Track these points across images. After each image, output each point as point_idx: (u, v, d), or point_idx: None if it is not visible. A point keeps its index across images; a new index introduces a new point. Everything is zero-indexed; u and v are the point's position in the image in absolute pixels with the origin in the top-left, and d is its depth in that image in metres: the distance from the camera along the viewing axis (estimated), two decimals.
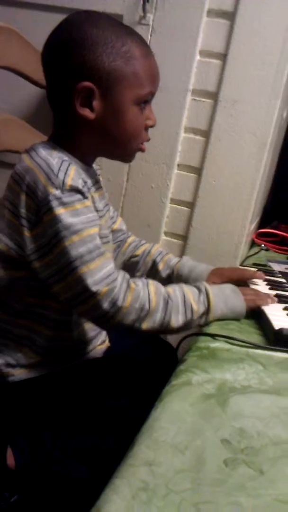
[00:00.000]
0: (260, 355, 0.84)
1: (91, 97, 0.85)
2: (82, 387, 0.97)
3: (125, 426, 0.83)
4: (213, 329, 0.93)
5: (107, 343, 1.09)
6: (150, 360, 1.15)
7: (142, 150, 0.96)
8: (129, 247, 1.19)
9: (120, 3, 1.40)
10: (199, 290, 0.94)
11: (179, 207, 1.50)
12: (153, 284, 0.89)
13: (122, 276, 0.86)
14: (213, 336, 0.90)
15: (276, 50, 1.29)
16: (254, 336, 0.92)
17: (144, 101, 0.90)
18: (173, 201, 1.50)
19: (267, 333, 0.92)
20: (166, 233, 1.53)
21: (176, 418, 0.64)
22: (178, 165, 1.47)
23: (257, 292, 1.03)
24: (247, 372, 0.78)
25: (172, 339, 1.29)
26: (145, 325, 0.86)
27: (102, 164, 1.51)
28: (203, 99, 1.40)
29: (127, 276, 0.87)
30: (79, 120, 0.87)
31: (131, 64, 0.85)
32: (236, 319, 0.97)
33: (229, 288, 0.98)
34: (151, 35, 1.39)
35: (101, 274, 0.82)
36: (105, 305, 0.82)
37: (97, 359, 1.04)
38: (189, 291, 0.92)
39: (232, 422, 0.65)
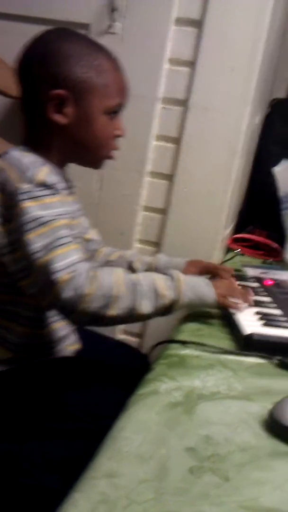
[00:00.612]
0: (230, 361, 0.84)
1: (63, 104, 0.91)
2: (50, 385, 0.96)
3: (95, 426, 0.82)
4: (184, 335, 0.93)
5: (77, 345, 1.08)
6: (122, 365, 1.14)
7: (111, 158, 1.02)
8: (103, 255, 1.20)
9: (87, 12, 1.41)
10: (169, 276, 0.93)
11: (152, 214, 1.50)
12: (119, 271, 0.88)
13: (87, 265, 0.84)
14: (184, 343, 0.89)
15: (244, 57, 1.30)
16: (225, 341, 0.92)
17: (114, 112, 0.96)
18: (145, 208, 1.50)
19: (237, 338, 0.91)
20: (139, 241, 1.53)
21: (141, 427, 0.63)
22: (150, 172, 1.47)
23: (232, 288, 1.01)
24: (216, 378, 0.77)
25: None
26: (112, 312, 0.83)
27: (73, 173, 1.50)
28: (173, 107, 1.40)
29: (94, 265, 0.87)
30: (51, 125, 0.92)
31: (102, 76, 0.92)
32: (206, 308, 0.98)
33: (201, 278, 0.98)
34: (119, 44, 1.39)
35: (65, 262, 0.80)
36: (68, 292, 0.80)
37: (66, 358, 1.03)
38: (158, 277, 0.91)
39: (199, 430, 0.64)
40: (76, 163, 1.01)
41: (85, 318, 0.84)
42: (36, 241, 0.81)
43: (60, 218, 0.84)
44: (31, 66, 0.92)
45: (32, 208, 0.82)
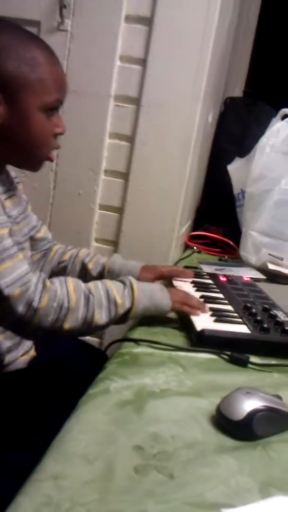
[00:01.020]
0: (182, 358, 0.84)
1: None
2: (5, 400, 0.94)
3: (49, 436, 0.81)
4: (137, 334, 0.92)
5: (32, 353, 1.06)
6: (82, 368, 1.13)
7: (51, 160, 0.95)
8: (55, 254, 1.17)
9: (37, 9, 1.39)
10: (124, 284, 0.92)
11: (108, 213, 1.49)
12: (72, 281, 0.86)
13: (37, 276, 0.82)
14: (137, 341, 0.89)
15: (194, 54, 1.31)
16: (178, 338, 0.92)
17: (52, 108, 0.89)
18: (101, 207, 1.49)
19: (190, 335, 0.92)
20: (96, 240, 1.52)
21: (89, 428, 0.63)
22: (105, 171, 1.46)
23: (187, 296, 1.00)
24: (166, 375, 0.78)
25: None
26: (67, 325, 0.82)
27: (27, 172, 1.48)
28: (126, 105, 1.40)
29: (43, 275, 0.84)
30: None
31: (36, 71, 0.85)
32: (160, 316, 0.96)
33: (157, 285, 0.98)
34: (70, 42, 1.38)
35: (13, 275, 0.78)
36: (20, 308, 0.78)
37: (20, 371, 1.01)
38: (113, 286, 0.90)
39: (147, 428, 0.64)
40: (14, 165, 0.96)
41: (39, 332, 0.83)
42: None
43: (0, 228, 0.80)
44: None
45: None
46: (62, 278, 0.88)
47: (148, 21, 1.33)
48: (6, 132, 0.86)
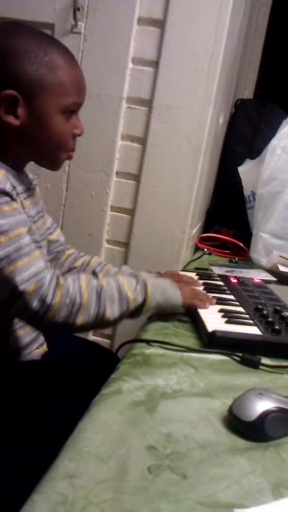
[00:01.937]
0: (193, 358, 0.85)
1: (15, 104, 0.86)
2: (17, 390, 0.95)
3: (63, 429, 0.81)
4: (149, 334, 0.93)
5: (44, 347, 1.07)
6: (91, 365, 1.14)
7: (70, 158, 0.97)
8: (68, 259, 1.18)
9: (51, 12, 1.40)
10: (136, 279, 0.93)
11: (120, 214, 1.50)
12: (84, 278, 0.88)
13: (51, 273, 0.84)
14: (148, 342, 0.89)
15: (206, 56, 1.31)
16: (189, 339, 0.92)
17: (70, 111, 0.91)
18: (113, 208, 1.50)
19: (202, 336, 0.92)
20: (108, 241, 1.53)
21: (103, 427, 0.63)
22: (117, 172, 1.47)
23: (196, 292, 1.03)
24: (178, 376, 0.78)
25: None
26: (80, 320, 0.84)
27: (40, 174, 1.50)
28: (138, 107, 1.41)
29: (57, 272, 0.86)
30: (4, 127, 0.88)
31: (55, 73, 0.86)
32: (172, 312, 0.98)
33: (167, 281, 0.99)
34: (83, 44, 1.39)
35: (29, 272, 0.80)
36: (34, 304, 0.80)
37: (34, 361, 1.02)
38: (125, 281, 0.91)
39: (160, 428, 0.64)
40: (35, 163, 0.98)
41: (53, 327, 0.84)
42: None
43: (19, 226, 0.82)
44: None
45: None
46: (75, 275, 0.89)
47: (160, 24, 1.33)
48: (26, 133, 0.88)
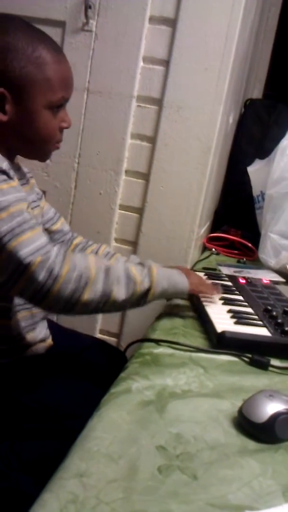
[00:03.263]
0: (202, 359, 0.85)
1: (3, 101, 0.87)
2: (22, 385, 0.95)
3: (69, 426, 0.81)
4: (157, 334, 0.93)
5: (49, 342, 1.07)
6: (98, 363, 1.14)
7: (57, 149, 0.98)
8: (76, 248, 1.17)
9: (62, 9, 1.40)
10: (143, 265, 0.93)
11: (128, 213, 1.50)
12: (92, 255, 0.88)
13: (58, 247, 0.83)
14: (157, 341, 0.89)
15: (217, 56, 1.30)
16: (198, 340, 0.92)
17: (58, 106, 0.92)
18: (122, 207, 1.50)
19: (210, 336, 0.92)
20: (116, 240, 1.53)
21: (112, 427, 0.63)
22: (126, 171, 1.47)
23: (203, 280, 1.05)
24: (188, 376, 0.78)
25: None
26: (86, 296, 0.81)
27: (49, 172, 1.50)
28: (148, 106, 1.41)
29: (64, 247, 0.86)
30: None
31: (42, 70, 0.87)
32: (178, 297, 0.99)
33: (174, 269, 0.98)
34: (94, 42, 1.39)
35: (35, 245, 0.79)
36: (41, 275, 0.78)
37: (38, 356, 1.02)
38: (131, 265, 0.91)
39: (169, 428, 0.64)
40: (23, 157, 0.99)
41: (59, 301, 0.81)
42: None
43: (19, 202, 0.81)
44: None
45: None
46: (83, 253, 0.89)
47: (172, 22, 1.33)
48: (14, 128, 0.89)
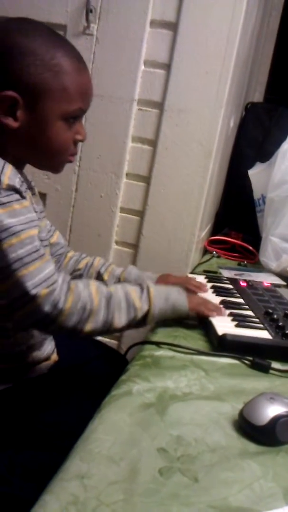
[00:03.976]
0: (203, 361, 0.85)
1: (15, 106, 0.84)
2: (26, 406, 0.94)
3: (72, 443, 0.81)
4: (158, 336, 0.93)
5: (54, 358, 1.07)
6: (103, 371, 1.14)
7: (70, 162, 0.95)
8: (70, 261, 1.17)
9: (63, 13, 1.40)
10: (141, 288, 0.93)
11: (129, 216, 1.50)
12: (94, 284, 0.88)
13: (62, 278, 0.83)
14: (158, 344, 0.89)
15: (218, 59, 1.31)
16: (199, 342, 0.92)
17: (73, 117, 0.88)
18: (123, 210, 1.50)
19: (211, 339, 0.92)
20: (117, 242, 1.53)
21: (113, 429, 0.63)
22: (127, 174, 1.47)
23: (205, 301, 1.02)
24: (189, 379, 0.78)
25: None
26: (88, 327, 0.84)
27: (50, 174, 1.50)
28: (149, 109, 1.41)
29: (68, 277, 0.86)
30: (2, 128, 0.85)
31: (60, 78, 0.83)
32: (179, 319, 0.97)
33: (174, 288, 0.98)
34: (95, 45, 1.39)
35: (41, 276, 0.79)
36: (46, 307, 0.79)
37: (41, 376, 1.01)
38: (132, 289, 0.91)
39: (170, 430, 0.64)
40: (35, 167, 0.95)
41: (61, 331, 0.84)
42: (9, 252, 0.77)
43: (30, 227, 0.80)
44: None
45: (1, 216, 0.77)
46: (85, 280, 0.89)
47: (173, 26, 1.33)
48: (25, 135, 0.86)
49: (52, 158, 0.91)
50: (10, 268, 0.78)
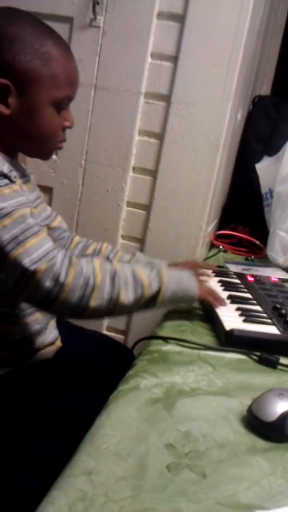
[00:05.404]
0: (211, 357, 0.84)
1: (6, 93, 0.86)
2: (32, 391, 0.94)
3: (78, 430, 0.81)
4: (165, 331, 0.93)
5: (58, 344, 1.07)
6: (106, 362, 1.14)
7: (59, 149, 0.97)
8: (77, 246, 1.16)
9: (70, 5, 1.39)
10: (151, 267, 0.91)
11: (136, 210, 1.49)
12: (98, 260, 0.86)
13: (63, 253, 0.82)
14: (165, 339, 0.89)
15: (226, 52, 1.30)
16: (206, 337, 0.92)
17: (62, 104, 0.90)
18: (129, 204, 1.49)
19: (219, 334, 0.92)
20: (123, 237, 1.52)
21: (121, 424, 0.63)
22: (134, 168, 1.46)
23: (213, 290, 1.02)
24: (196, 374, 0.78)
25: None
26: (93, 302, 0.81)
27: (56, 168, 1.50)
28: (156, 102, 1.40)
29: (69, 253, 0.84)
30: None
31: (49, 65, 0.86)
32: (187, 303, 0.97)
33: (185, 271, 0.97)
34: (102, 38, 1.38)
35: (39, 252, 0.78)
36: (47, 283, 0.77)
37: (47, 361, 1.01)
38: (139, 267, 0.89)
39: (178, 426, 0.64)
40: (25, 154, 0.98)
41: (66, 309, 0.82)
42: (3, 233, 0.77)
43: (22, 207, 0.80)
44: None
45: None
46: (88, 257, 0.88)
47: (180, 18, 1.32)
48: (16, 122, 0.88)
49: (43, 144, 0.94)
50: (6, 249, 0.77)
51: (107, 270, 0.84)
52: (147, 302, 0.88)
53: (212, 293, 1.01)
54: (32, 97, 0.87)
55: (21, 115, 0.87)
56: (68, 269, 0.79)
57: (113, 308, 0.84)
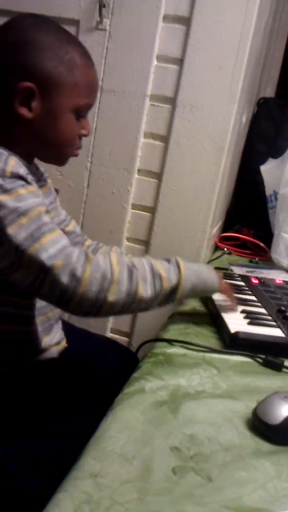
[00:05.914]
0: (215, 359, 0.84)
1: (30, 97, 0.87)
2: (35, 388, 0.95)
3: (81, 428, 0.81)
4: (170, 334, 0.93)
5: (63, 344, 1.07)
6: (112, 364, 1.14)
7: (75, 155, 0.98)
8: (87, 250, 1.17)
9: (76, 8, 1.40)
10: (169, 261, 0.91)
11: (141, 212, 1.50)
12: (115, 255, 0.86)
13: (79, 249, 0.82)
14: (170, 341, 0.89)
15: (231, 55, 1.30)
16: (211, 340, 0.92)
17: (81, 111, 0.92)
18: (134, 206, 1.50)
19: (223, 337, 0.92)
20: (128, 239, 1.53)
21: (126, 427, 0.63)
22: (139, 170, 1.47)
23: (230, 287, 1.02)
24: (201, 377, 0.78)
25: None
26: (111, 297, 0.80)
27: (62, 170, 1.50)
28: (161, 104, 1.40)
29: (85, 249, 0.85)
30: (17, 118, 0.88)
31: (73, 73, 0.87)
32: (207, 295, 0.98)
33: (203, 265, 0.97)
34: (108, 40, 1.38)
35: (55, 248, 0.78)
36: (64, 278, 0.77)
37: (52, 360, 1.02)
38: (157, 261, 0.89)
39: (183, 429, 0.64)
40: (41, 159, 0.98)
41: (84, 304, 0.81)
42: (19, 232, 0.77)
43: (38, 207, 0.81)
44: (1, 54, 0.87)
45: (7, 201, 0.78)
46: (104, 253, 0.88)
47: (186, 21, 1.32)
48: (36, 127, 0.89)
49: (60, 150, 0.94)
50: (23, 246, 0.77)
51: (125, 263, 0.84)
52: (167, 296, 0.87)
53: (230, 288, 1.01)
54: (54, 103, 0.88)
55: (42, 120, 0.88)
56: (85, 264, 0.79)
57: (131, 302, 0.83)
